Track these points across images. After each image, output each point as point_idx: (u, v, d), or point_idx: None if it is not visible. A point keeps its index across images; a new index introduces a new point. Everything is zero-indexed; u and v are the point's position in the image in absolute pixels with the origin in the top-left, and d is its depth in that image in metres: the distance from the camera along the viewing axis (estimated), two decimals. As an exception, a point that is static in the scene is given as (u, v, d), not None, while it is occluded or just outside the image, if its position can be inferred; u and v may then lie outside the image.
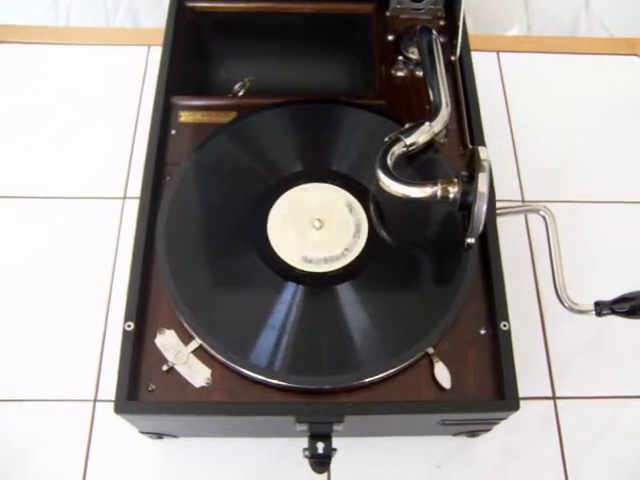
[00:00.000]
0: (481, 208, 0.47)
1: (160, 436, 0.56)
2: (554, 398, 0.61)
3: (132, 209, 0.68)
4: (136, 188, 0.68)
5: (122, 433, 0.57)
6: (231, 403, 0.48)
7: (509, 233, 0.67)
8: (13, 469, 0.57)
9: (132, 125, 0.74)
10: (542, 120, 0.77)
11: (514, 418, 0.58)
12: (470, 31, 0.67)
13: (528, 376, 0.61)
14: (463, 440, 0.58)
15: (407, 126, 0.56)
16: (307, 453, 0.50)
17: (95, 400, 0.60)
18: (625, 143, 0.75)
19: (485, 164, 0.47)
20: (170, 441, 0.58)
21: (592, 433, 0.60)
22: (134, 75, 0.78)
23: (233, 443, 0.58)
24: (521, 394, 0.59)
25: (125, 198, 0.70)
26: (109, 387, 0.59)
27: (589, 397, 0.61)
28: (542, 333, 0.63)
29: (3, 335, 0.62)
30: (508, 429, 0.59)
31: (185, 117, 0.62)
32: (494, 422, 0.53)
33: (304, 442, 0.52)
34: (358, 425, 0.51)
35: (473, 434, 0.58)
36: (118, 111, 0.75)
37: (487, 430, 0.56)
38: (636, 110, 0.78)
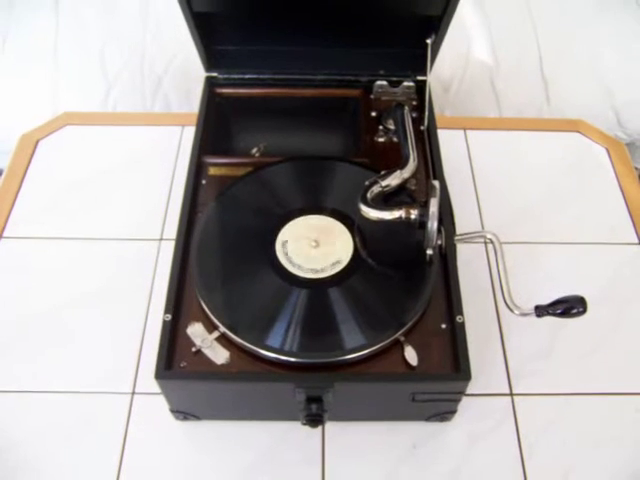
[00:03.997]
0: (433, 224, 0.63)
1: (186, 416, 0.69)
2: (511, 395, 0.73)
3: (167, 248, 0.84)
4: (170, 231, 0.86)
5: (154, 419, 0.70)
6: (244, 372, 0.62)
7: (472, 261, 0.83)
8: (61, 450, 0.69)
9: (168, 183, 0.92)
10: (501, 182, 0.93)
11: (478, 410, 0.72)
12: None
13: (489, 376, 0.74)
14: (435, 425, 0.70)
15: (383, 172, 0.73)
16: (303, 419, 0.63)
17: (133, 393, 0.73)
18: (567, 199, 0.92)
19: (436, 191, 0.64)
20: (193, 424, 0.70)
21: (542, 422, 0.71)
22: (170, 146, 0.96)
23: (244, 427, 0.70)
24: (483, 391, 0.73)
25: (161, 240, 0.86)
26: (144, 383, 0.73)
27: (540, 394, 0.73)
28: (500, 341, 0.77)
29: (62, 343, 0.76)
30: (473, 419, 0.71)
31: (213, 171, 0.79)
32: (456, 398, 0.65)
33: (301, 428, 0.66)
34: (344, 397, 0.63)
35: (443, 418, 0.70)
36: (157, 173, 0.93)
37: (454, 411, 0.68)
38: (576, 174, 0.95)
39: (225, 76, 0.87)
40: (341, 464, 0.68)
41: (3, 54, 1.27)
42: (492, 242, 0.70)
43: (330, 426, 0.70)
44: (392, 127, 0.83)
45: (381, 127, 0.83)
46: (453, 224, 0.75)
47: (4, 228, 0.87)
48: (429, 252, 0.66)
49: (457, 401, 0.66)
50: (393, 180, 0.73)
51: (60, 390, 0.73)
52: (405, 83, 0.87)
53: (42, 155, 0.96)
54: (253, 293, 0.67)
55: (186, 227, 0.71)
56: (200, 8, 0.77)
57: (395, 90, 0.87)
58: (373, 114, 0.86)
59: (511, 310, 0.66)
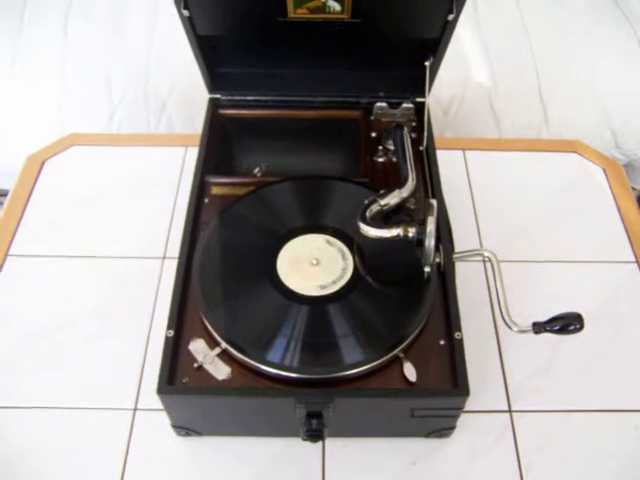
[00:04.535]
0: (430, 242, 0.65)
1: (187, 432, 0.70)
2: (510, 412, 0.74)
3: (170, 266, 0.85)
4: (173, 250, 0.87)
5: (156, 435, 0.71)
6: (246, 387, 0.63)
7: (471, 279, 0.84)
8: (64, 464, 0.70)
9: (172, 202, 0.93)
10: (499, 201, 0.95)
11: (477, 426, 0.73)
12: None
13: (487, 393, 0.74)
14: (435, 441, 0.71)
15: (382, 192, 0.75)
16: (304, 434, 0.63)
17: (135, 409, 0.73)
18: (564, 219, 0.93)
19: (433, 210, 0.65)
20: (195, 439, 0.71)
21: (541, 439, 0.71)
22: (174, 167, 0.98)
23: (245, 443, 0.70)
24: (482, 408, 0.74)
25: (164, 258, 0.88)
26: (146, 399, 0.74)
27: (538, 411, 0.74)
28: (499, 358, 0.77)
29: (67, 359, 0.77)
30: (473, 435, 0.71)
31: (216, 190, 0.81)
32: (455, 413, 0.66)
33: (302, 444, 0.67)
34: (344, 413, 0.64)
35: (442, 434, 0.70)
36: (161, 192, 0.94)
37: (453, 428, 0.69)
38: (574, 194, 0.97)
39: (228, 98, 0.90)
40: (341, 480, 0.69)
41: (12, 72, 1.30)
42: (490, 260, 0.71)
43: (330, 442, 0.71)
44: (392, 147, 0.85)
45: (381, 147, 0.85)
46: (452, 242, 0.76)
47: (10, 246, 0.89)
48: (427, 269, 0.67)
49: (456, 417, 0.67)
50: (392, 199, 0.74)
51: (63, 406, 0.74)
52: (404, 105, 0.88)
53: (48, 175, 0.98)
54: (254, 310, 0.68)
55: (189, 245, 0.72)
56: (204, 32, 0.79)
57: (394, 111, 0.89)
58: (373, 135, 0.87)
59: (509, 327, 0.67)
